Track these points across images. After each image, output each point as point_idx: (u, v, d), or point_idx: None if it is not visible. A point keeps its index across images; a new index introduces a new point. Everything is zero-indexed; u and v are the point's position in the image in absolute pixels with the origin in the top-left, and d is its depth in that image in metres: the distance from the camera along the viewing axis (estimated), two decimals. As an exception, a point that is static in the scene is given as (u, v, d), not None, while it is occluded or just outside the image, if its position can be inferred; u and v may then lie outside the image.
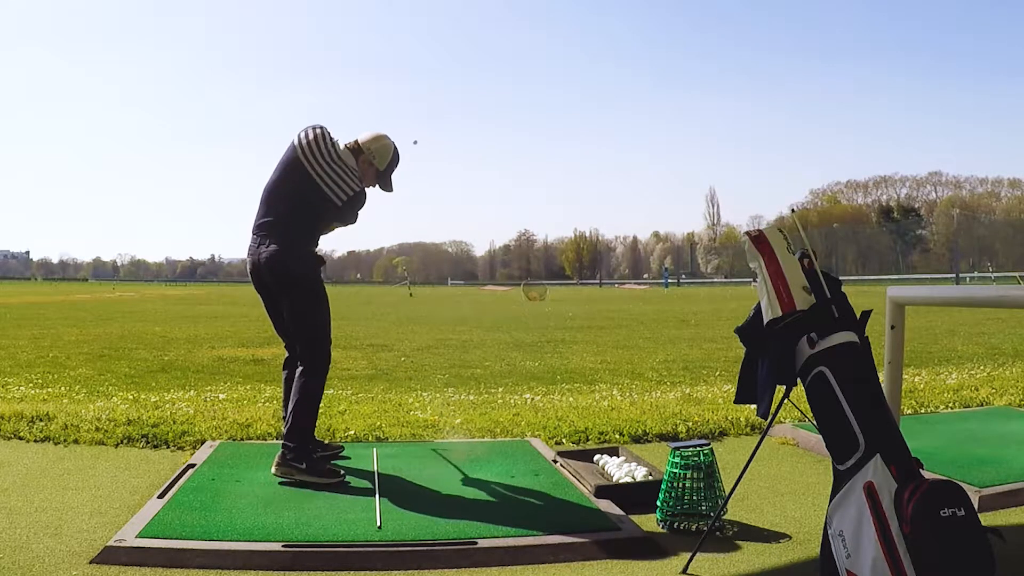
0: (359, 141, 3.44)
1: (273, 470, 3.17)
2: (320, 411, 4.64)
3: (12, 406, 4.68)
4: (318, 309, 3.32)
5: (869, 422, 2.04)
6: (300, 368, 3.29)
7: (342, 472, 3.24)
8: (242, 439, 4.02)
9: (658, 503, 2.83)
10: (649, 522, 2.80)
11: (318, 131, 3.33)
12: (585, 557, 2.47)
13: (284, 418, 3.34)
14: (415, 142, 3.49)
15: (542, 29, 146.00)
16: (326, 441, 3.77)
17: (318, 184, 3.26)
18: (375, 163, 3.43)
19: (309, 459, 3.19)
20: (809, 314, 2.18)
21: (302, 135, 3.33)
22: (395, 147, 3.49)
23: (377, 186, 3.50)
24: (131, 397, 5.34)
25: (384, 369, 7.46)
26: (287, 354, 3.54)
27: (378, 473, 3.32)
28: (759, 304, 2.32)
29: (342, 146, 3.41)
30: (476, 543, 2.51)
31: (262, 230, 3.30)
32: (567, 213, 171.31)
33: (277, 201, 3.31)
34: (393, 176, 3.52)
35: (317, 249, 3.40)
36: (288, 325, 3.39)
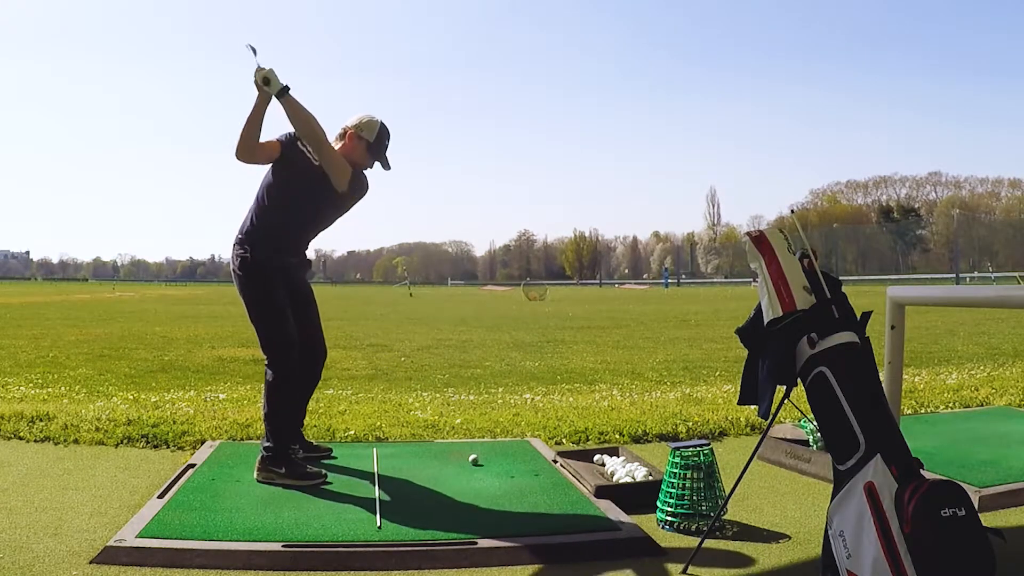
0: (344, 126, 3.41)
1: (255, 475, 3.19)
2: (320, 411, 4.67)
3: (12, 406, 4.68)
4: None
5: (869, 422, 2.04)
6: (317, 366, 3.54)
7: (324, 473, 3.22)
8: (242, 439, 4.02)
9: (658, 503, 2.83)
10: (649, 522, 2.80)
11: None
12: (585, 557, 2.47)
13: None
14: (252, 48, 3.12)
15: (543, 29, 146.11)
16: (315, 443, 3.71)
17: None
18: (364, 135, 3.35)
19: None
20: (809, 314, 2.18)
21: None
22: (381, 121, 3.42)
23: (376, 164, 3.42)
24: (131, 397, 5.34)
25: (384, 369, 7.46)
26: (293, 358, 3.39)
27: (378, 473, 3.32)
28: (760, 304, 2.32)
29: (334, 142, 3.37)
30: (476, 543, 2.50)
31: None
32: (567, 213, 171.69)
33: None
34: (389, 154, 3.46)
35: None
36: (313, 323, 3.53)
